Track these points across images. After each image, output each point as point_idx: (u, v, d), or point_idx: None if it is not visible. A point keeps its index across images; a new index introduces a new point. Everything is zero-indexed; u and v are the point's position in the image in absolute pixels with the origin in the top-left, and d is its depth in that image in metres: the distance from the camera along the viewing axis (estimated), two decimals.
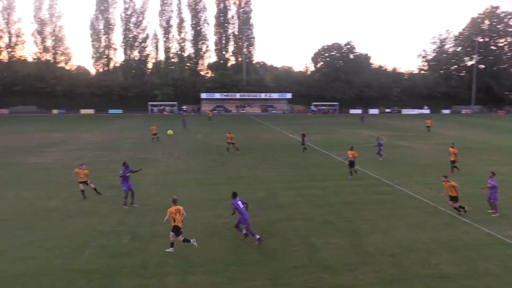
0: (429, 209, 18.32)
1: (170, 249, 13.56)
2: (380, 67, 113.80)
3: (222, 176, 24.95)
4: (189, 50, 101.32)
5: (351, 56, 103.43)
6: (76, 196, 20.05)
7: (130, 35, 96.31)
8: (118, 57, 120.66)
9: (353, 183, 23.21)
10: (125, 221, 16.52)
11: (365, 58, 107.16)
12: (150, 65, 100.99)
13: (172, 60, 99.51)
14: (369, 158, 31.18)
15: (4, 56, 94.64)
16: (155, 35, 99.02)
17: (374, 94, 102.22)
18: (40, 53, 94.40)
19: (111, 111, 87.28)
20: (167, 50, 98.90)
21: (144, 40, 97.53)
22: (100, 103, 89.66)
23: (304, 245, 14.30)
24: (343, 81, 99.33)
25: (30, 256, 13.21)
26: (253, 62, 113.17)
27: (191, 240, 13.54)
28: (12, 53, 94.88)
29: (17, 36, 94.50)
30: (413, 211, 18.03)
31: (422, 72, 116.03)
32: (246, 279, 11.87)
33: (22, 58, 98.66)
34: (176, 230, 13.46)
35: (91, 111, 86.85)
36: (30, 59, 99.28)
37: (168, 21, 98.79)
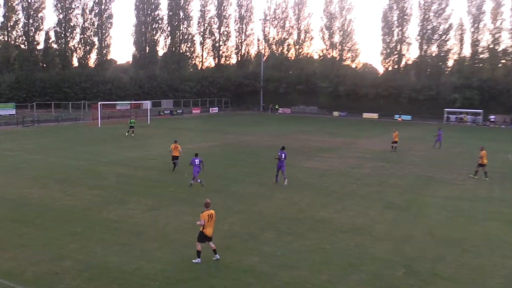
0: None
1: (197, 260, 14.66)
2: None
3: None
4: (505, 42, 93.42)
5: None
6: (350, 210, 21.27)
7: (429, 27, 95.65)
8: (411, 53, 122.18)
9: None
10: (402, 249, 16.51)
11: None
12: (450, 63, 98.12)
13: (481, 56, 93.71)
14: None
15: (292, 53, 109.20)
16: (461, 24, 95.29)
17: None
18: (327, 49, 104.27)
19: (397, 116, 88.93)
20: (474, 43, 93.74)
21: (446, 31, 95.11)
22: (385, 107, 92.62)
23: None
24: None
25: (295, 266, 14.72)
26: None
27: (216, 255, 14.97)
28: (300, 50, 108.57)
29: (306, 32, 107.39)
30: None
31: None
32: None
33: (308, 56, 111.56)
34: (202, 237, 14.61)
35: (374, 115, 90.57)
36: (315, 57, 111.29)
37: (479, 7, 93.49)
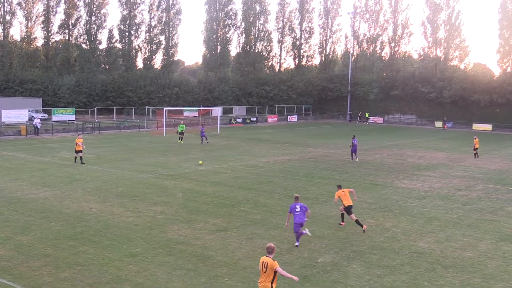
0: None
1: None
2: None
3: None
4: None
5: None
6: (455, 240, 20.56)
7: None
8: None
9: None
10: None
11: None
12: None
13: None
14: None
15: (386, 53, 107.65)
16: None
17: None
18: (429, 47, 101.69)
19: None
20: None
21: None
22: (502, 116, 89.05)
23: None
24: None
25: None
26: None
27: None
28: (396, 49, 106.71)
29: (403, 27, 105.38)
30: None
31: None
32: None
33: (406, 55, 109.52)
34: None
35: (487, 126, 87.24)
36: (415, 56, 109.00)
37: None
